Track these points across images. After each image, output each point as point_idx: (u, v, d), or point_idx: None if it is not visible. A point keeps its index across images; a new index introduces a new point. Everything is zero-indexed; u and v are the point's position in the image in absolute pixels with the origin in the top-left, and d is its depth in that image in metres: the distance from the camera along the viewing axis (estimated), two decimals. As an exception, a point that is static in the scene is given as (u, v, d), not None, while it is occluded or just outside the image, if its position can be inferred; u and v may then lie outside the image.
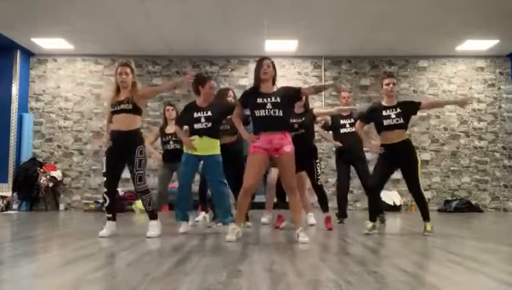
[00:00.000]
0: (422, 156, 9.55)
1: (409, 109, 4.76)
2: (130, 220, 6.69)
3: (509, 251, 3.71)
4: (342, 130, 6.08)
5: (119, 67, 4.41)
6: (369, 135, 5.17)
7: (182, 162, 4.83)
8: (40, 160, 9.33)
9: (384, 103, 4.82)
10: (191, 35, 8.53)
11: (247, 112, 4.39)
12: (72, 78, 9.73)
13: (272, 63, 4.21)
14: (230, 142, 5.32)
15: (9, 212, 8.59)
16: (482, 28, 8.16)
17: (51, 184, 9.04)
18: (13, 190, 8.99)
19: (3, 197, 8.82)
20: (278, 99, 4.07)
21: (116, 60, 9.60)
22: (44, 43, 9.01)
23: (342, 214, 6.14)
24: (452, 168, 9.56)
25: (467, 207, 9.02)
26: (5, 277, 2.55)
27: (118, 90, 4.43)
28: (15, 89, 9.26)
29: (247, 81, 9.56)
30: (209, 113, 4.71)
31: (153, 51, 9.49)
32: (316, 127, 5.74)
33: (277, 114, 4.04)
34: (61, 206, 9.37)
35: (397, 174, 9.86)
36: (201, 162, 4.79)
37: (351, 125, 6.00)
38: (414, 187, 4.75)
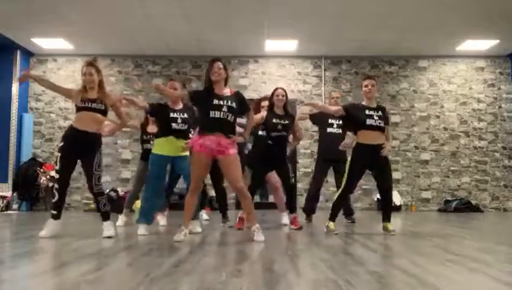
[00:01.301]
0: (422, 156, 9.56)
1: (385, 118, 4.81)
2: (129, 220, 6.68)
3: (509, 251, 3.71)
4: (329, 129, 6.06)
5: (84, 68, 4.37)
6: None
7: (149, 162, 4.74)
8: (40, 160, 9.33)
9: (364, 103, 4.84)
10: (191, 35, 8.53)
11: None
12: (72, 78, 9.71)
13: (224, 64, 4.19)
14: None
15: (9, 212, 8.59)
16: (482, 28, 8.16)
17: (50, 184, 9.03)
18: (13, 190, 8.99)
19: (3, 197, 8.82)
20: (234, 105, 4.11)
21: (116, 60, 9.67)
22: (45, 43, 9.01)
23: (309, 211, 6.19)
24: (452, 168, 9.56)
25: (467, 207, 9.02)
26: (5, 277, 2.55)
27: (84, 89, 4.36)
28: (15, 89, 9.26)
29: (247, 81, 9.56)
30: (185, 115, 4.75)
31: (153, 51, 9.49)
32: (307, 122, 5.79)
33: (230, 119, 4.08)
34: (61, 206, 9.36)
35: (397, 175, 9.87)
36: (172, 162, 4.81)
37: (339, 126, 6.00)
38: (388, 189, 4.79)
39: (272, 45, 9.07)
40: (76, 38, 8.78)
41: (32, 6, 7.25)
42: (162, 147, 4.71)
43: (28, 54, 9.59)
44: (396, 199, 9.08)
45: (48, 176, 9.00)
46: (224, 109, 4.05)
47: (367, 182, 8.47)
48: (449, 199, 9.35)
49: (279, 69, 9.76)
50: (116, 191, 8.87)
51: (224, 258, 3.18)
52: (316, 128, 7.72)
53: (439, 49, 9.36)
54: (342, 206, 4.93)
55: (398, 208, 9.01)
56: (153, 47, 9.24)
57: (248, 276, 2.53)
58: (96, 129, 4.31)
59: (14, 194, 8.97)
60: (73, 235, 4.59)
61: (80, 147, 4.28)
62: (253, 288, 2.25)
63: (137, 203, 8.65)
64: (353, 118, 4.80)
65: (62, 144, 4.32)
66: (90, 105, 4.26)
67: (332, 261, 3.06)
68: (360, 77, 9.73)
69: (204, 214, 6.42)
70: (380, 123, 4.68)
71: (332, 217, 4.82)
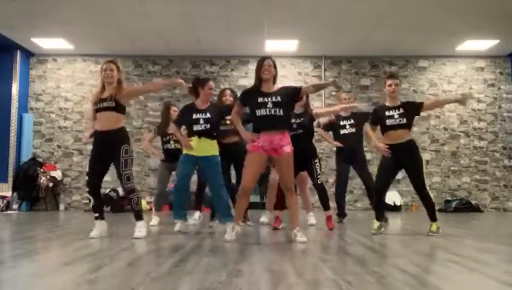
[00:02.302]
0: (422, 156, 9.52)
1: (412, 109, 4.75)
2: (130, 220, 6.67)
3: (509, 251, 3.71)
4: (342, 131, 6.13)
5: (104, 65, 4.39)
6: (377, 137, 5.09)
7: (179, 162, 4.84)
8: (40, 160, 9.32)
9: (387, 104, 4.81)
10: (191, 35, 8.53)
11: (247, 110, 4.38)
12: (72, 78, 9.72)
13: (273, 62, 4.19)
14: (235, 141, 5.32)
15: (9, 212, 8.59)
16: (482, 28, 8.16)
17: (51, 184, 9.03)
18: (13, 190, 8.99)
19: (3, 197, 8.81)
20: (279, 99, 4.06)
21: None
22: (44, 43, 9.00)
23: (341, 214, 6.19)
24: (452, 168, 9.56)
25: (467, 207, 9.01)
26: (5, 277, 2.55)
27: (102, 89, 4.37)
28: (15, 89, 9.25)
29: (247, 81, 9.55)
30: (208, 115, 4.74)
31: (153, 51, 9.49)
32: (316, 128, 5.74)
33: (278, 113, 4.03)
34: (61, 206, 9.36)
35: (397, 175, 9.87)
36: (199, 163, 4.83)
37: (351, 126, 6.08)
38: (420, 187, 4.73)
39: (271, 45, 9.07)
40: (76, 38, 8.78)
41: (32, 6, 7.25)
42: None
43: (28, 54, 9.59)
44: (396, 199, 9.08)
45: (48, 176, 9.00)
46: (269, 105, 4.02)
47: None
48: (449, 199, 9.35)
49: (279, 69, 9.70)
50: (116, 191, 8.86)
51: (224, 258, 3.18)
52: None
53: (439, 49, 9.36)
54: (382, 203, 4.90)
55: (398, 208, 9.01)
56: (153, 47, 9.23)
57: (248, 276, 2.54)
58: (113, 126, 4.28)
59: (14, 194, 8.96)
60: (73, 235, 4.59)
61: (104, 147, 4.30)
62: (253, 288, 2.25)
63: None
64: (379, 122, 4.79)
65: (92, 148, 4.41)
66: (101, 105, 4.28)
67: (332, 261, 3.06)
68: (360, 76, 9.74)
69: (196, 214, 6.38)
70: (401, 121, 4.63)
71: (377, 217, 4.78)
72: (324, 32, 8.40)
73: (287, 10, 7.37)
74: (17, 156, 9.21)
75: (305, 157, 5.14)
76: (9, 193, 8.94)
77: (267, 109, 4.02)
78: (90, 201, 4.41)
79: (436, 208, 9.47)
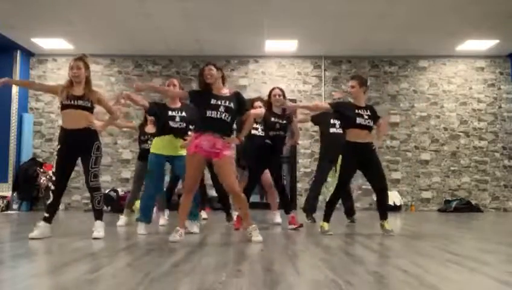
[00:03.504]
0: (422, 156, 9.55)
1: (373, 115, 4.82)
2: (130, 220, 6.67)
3: (509, 251, 3.71)
4: (331, 130, 6.07)
5: (72, 62, 4.31)
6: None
7: (148, 162, 4.78)
8: (40, 160, 9.32)
9: (355, 102, 4.84)
10: (190, 35, 8.53)
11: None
12: (72, 78, 9.71)
13: (214, 65, 4.23)
14: None
15: (9, 212, 8.58)
16: (482, 28, 8.16)
17: (50, 184, 9.03)
18: (13, 190, 8.99)
19: (3, 197, 8.81)
20: (232, 105, 4.13)
21: (116, 60, 9.67)
22: (44, 43, 9.00)
23: (310, 208, 6.11)
24: (452, 168, 9.56)
25: (467, 207, 9.01)
26: (5, 277, 2.55)
27: (70, 85, 4.28)
28: (15, 89, 9.25)
29: (247, 81, 9.57)
30: (184, 114, 4.76)
31: (153, 51, 9.49)
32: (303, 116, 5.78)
33: (227, 119, 4.11)
34: (61, 206, 9.34)
35: (397, 175, 9.86)
36: (170, 161, 4.81)
37: (341, 126, 6.01)
38: (384, 186, 4.77)
39: (271, 45, 9.07)
40: (76, 38, 8.78)
41: (32, 6, 7.25)
42: (160, 146, 4.74)
43: (28, 54, 9.58)
44: (396, 199, 9.07)
45: (47, 176, 8.99)
46: (221, 109, 4.08)
47: (367, 182, 8.46)
48: (449, 199, 9.34)
49: (279, 69, 9.76)
50: (116, 191, 8.86)
51: (224, 258, 3.19)
52: (316, 128, 7.73)
53: (439, 49, 9.35)
54: (335, 207, 4.92)
55: (398, 208, 9.01)
56: (153, 47, 9.23)
57: (248, 276, 2.54)
58: (86, 125, 4.23)
59: (14, 194, 8.96)
60: (73, 235, 4.59)
61: (74, 146, 4.25)
62: (253, 288, 2.25)
63: (137, 204, 8.73)
64: (343, 116, 4.83)
65: (58, 146, 4.33)
66: (75, 102, 4.20)
67: (332, 261, 3.06)
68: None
69: (203, 213, 6.40)
70: (369, 122, 4.71)
71: (326, 218, 4.79)
72: (324, 32, 8.40)
73: (287, 10, 7.37)
74: (17, 156, 9.21)
75: (277, 158, 5.32)
76: (9, 193, 8.93)
77: (219, 113, 4.07)
78: (49, 198, 4.37)
79: (436, 208, 9.57)
